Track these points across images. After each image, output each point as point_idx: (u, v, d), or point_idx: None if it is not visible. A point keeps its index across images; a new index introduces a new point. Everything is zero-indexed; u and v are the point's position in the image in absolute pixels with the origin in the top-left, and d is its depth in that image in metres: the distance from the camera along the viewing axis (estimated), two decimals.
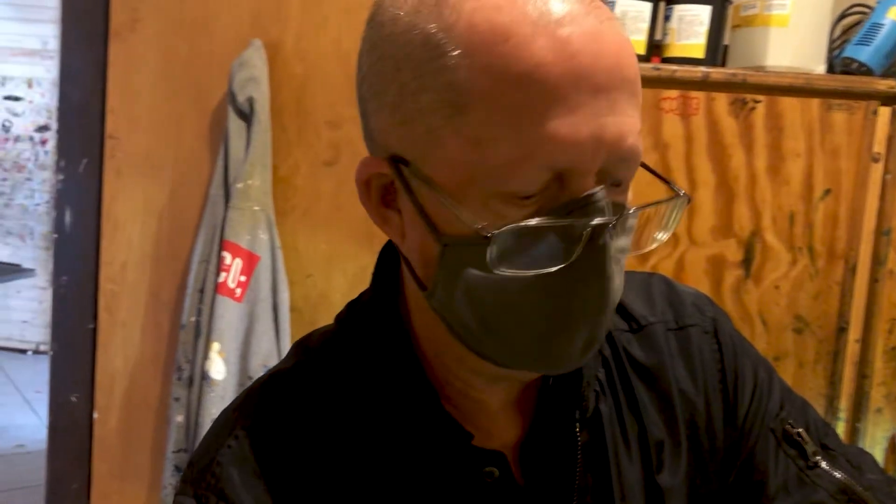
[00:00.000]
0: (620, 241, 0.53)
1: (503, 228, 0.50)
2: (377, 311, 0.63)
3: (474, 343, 0.56)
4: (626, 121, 0.51)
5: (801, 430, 0.70)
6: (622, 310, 0.70)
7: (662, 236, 0.57)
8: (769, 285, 1.34)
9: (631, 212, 0.53)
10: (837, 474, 0.68)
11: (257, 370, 1.66)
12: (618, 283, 0.54)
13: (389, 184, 0.57)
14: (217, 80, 1.75)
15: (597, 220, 0.50)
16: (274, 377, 0.65)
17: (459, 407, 0.62)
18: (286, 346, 1.71)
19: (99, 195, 1.84)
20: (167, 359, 1.84)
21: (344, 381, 0.63)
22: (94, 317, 1.87)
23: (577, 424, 0.62)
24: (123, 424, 1.87)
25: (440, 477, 0.60)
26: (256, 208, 1.69)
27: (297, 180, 1.74)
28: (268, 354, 1.68)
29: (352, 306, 0.68)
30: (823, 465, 0.69)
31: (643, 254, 1.34)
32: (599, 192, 0.50)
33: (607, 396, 0.66)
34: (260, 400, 0.63)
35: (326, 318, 0.69)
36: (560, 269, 0.51)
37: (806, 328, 1.34)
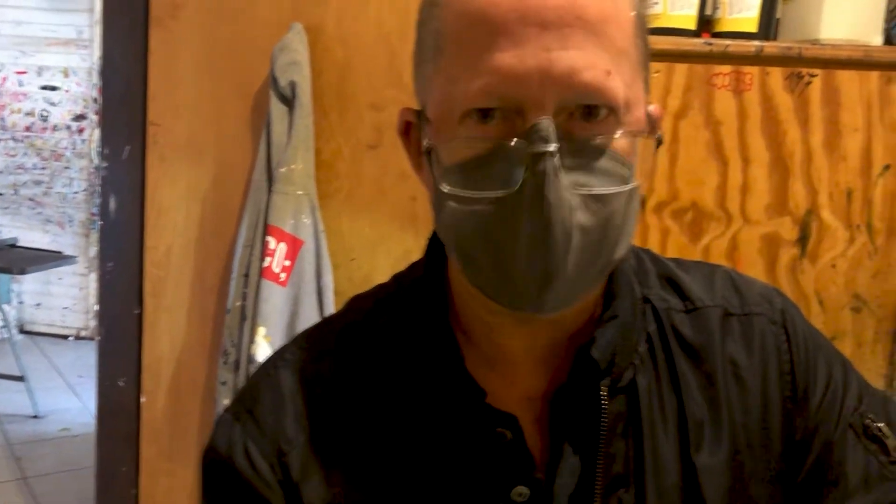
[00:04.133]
0: (579, 176, 0.54)
1: (445, 142, 0.56)
2: (423, 275, 0.68)
3: (465, 273, 0.59)
4: (580, 55, 0.53)
5: (881, 424, 0.68)
6: (679, 290, 0.70)
7: (637, 182, 0.58)
8: (826, 264, 1.31)
9: (574, 142, 0.54)
10: None
11: None
12: (580, 218, 0.54)
13: (419, 134, 0.62)
14: (258, 64, 1.74)
15: (533, 147, 0.52)
16: (321, 326, 0.72)
17: (486, 355, 0.65)
18: None
19: (142, 181, 1.85)
20: (213, 343, 1.85)
21: (383, 338, 0.68)
22: (140, 302, 1.89)
23: (606, 392, 0.63)
24: (171, 408, 1.89)
25: (457, 434, 0.63)
26: (300, 192, 1.69)
27: (340, 164, 1.74)
28: None
29: (413, 267, 0.73)
30: None
31: (694, 233, 1.33)
32: (544, 121, 0.52)
33: (647, 370, 0.65)
34: (304, 343, 0.70)
35: None
36: (506, 195, 0.53)
37: (864, 307, 1.31)
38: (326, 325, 0.72)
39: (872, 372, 1.30)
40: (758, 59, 1.30)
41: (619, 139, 0.56)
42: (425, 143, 0.58)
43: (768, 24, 1.37)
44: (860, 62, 1.28)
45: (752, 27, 1.35)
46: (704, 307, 0.69)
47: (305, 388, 0.66)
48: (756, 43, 1.31)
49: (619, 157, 0.56)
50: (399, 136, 0.65)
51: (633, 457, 0.64)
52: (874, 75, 1.29)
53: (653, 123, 0.61)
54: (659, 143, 0.59)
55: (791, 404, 0.67)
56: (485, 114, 0.55)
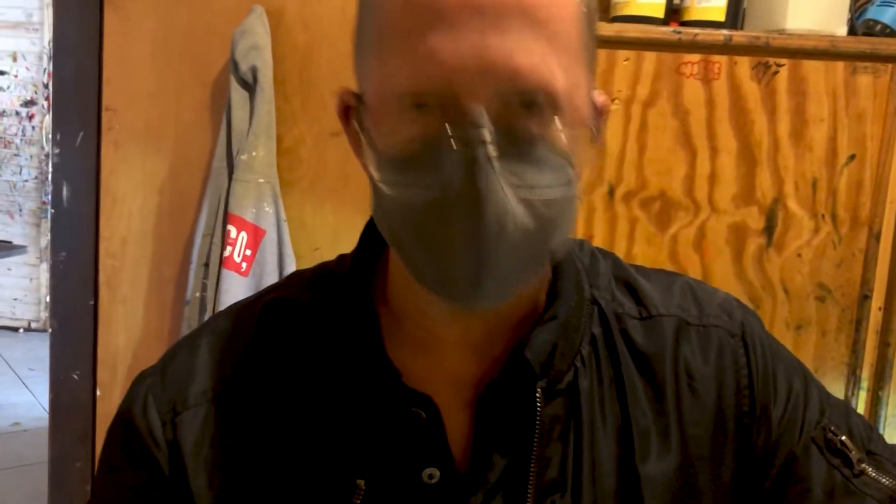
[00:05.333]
0: (515, 167, 0.52)
1: (382, 137, 0.54)
2: (356, 256, 0.67)
3: (403, 263, 0.58)
4: (516, 42, 0.51)
5: (844, 437, 0.67)
6: (636, 296, 0.68)
7: (574, 174, 0.56)
8: (791, 253, 1.32)
9: (511, 141, 0.52)
10: (885, 480, 0.66)
11: None
12: (514, 211, 0.52)
13: (357, 117, 0.60)
14: (217, 48, 1.70)
15: (468, 134, 0.50)
16: (255, 297, 0.71)
17: (416, 338, 0.64)
18: None
19: (97, 169, 1.79)
20: (171, 335, 1.80)
21: (308, 314, 0.67)
22: (95, 293, 1.83)
23: (541, 394, 0.61)
24: None
25: (372, 412, 0.62)
26: (261, 180, 1.65)
27: (303, 151, 1.70)
28: None
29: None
30: (870, 471, 0.66)
31: (662, 222, 1.32)
32: (476, 107, 0.51)
33: (589, 372, 0.64)
34: (232, 312, 0.70)
35: None
36: (439, 187, 0.52)
37: (828, 296, 1.32)
38: (260, 296, 0.71)
39: (836, 360, 1.31)
40: (726, 49, 1.30)
41: (557, 129, 0.54)
42: (362, 132, 0.57)
43: (736, 13, 1.37)
44: (826, 52, 1.29)
45: (720, 16, 1.35)
46: (659, 315, 0.67)
47: (222, 355, 0.66)
48: (725, 32, 1.31)
49: (558, 149, 0.54)
50: (339, 118, 0.63)
51: (572, 461, 0.62)
52: (839, 65, 1.29)
53: (598, 112, 0.59)
54: (593, 136, 0.57)
55: (748, 419, 0.66)
56: (419, 104, 0.53)
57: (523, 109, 0.53)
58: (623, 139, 1.32)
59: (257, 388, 0.64)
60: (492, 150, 0.50)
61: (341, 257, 0.72)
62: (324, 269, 0.71)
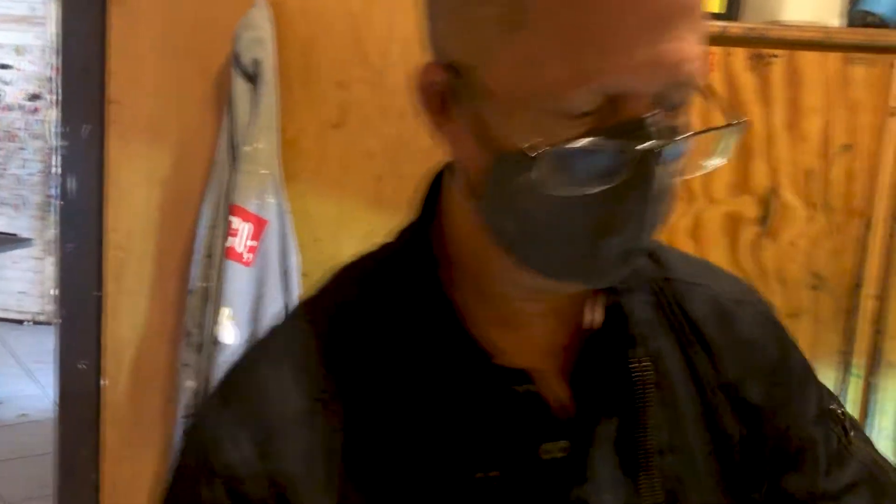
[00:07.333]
0: (669, 164, 0.52)
1: (550, 148, 0.50)
2: (411, 244, 0.64)
3: (521, 254, 0.56)
4: (683, 46, 0.50)
5: (841, 409, 0.71)
6: (670, 263, 0.70)
7: (717, 161, 0.56)
8: (786, 242, 1.34)
9: (682, 137, 0.52)
10: (869, 448, 0.71)
11: None
12: (665, 205, 0.54)
13: (445, 90, 0.57)
14: (220, 41, 1.71)
15: (647, 145, 0.50)
16: (310, 305, 0.67)
17: (499, 314, 0.62)
18: None
19: (102, 161, 1.81)
20: (176, 325, 1.83)
21: (379, 315, 0.63)
22: (101, 284, 1.85)
23: (636, 358, 0.62)
24: (133, 391, 1.87)
25: (471, 400, 0.60)
26: (264, 172, 1.67)
27: (305, 143, 1.72)
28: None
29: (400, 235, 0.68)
30: (857, 440, 0.71)
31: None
32: (654, 116, 0.50)
33: (661, 338, 0.66)
34: (286, 331, 0.65)
35: None
36: (608, 189, 0.51)
37: (823, 285, 1.34)
38: (313, 303, 0.67)
39: (830, 348, 1.33)
40: (722, 40, 1.31)
41: (690, 120, 0.54)
42: (528, 144, 0.51)
43: (734, 4, 1.39)
44: (821, 43, 1.30)
45: (719, 7, 1.36)
46: (695, 283, 0.70)
47: (299, 374, 0.61)
48: (721, 23, 1.32)
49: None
50: (417, 91, 0.58)
51: (671, 423, 0.64)
52: (835, 56, 1.31)
53: None
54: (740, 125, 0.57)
55: (780, 394, 0.69)
56: (587, 112, 0.51)
57: (672, 109, 0.52)
58: None
59: (352, 396, 0.60)
60: (663, 157, 0.50)
61: (382, 247, 0.68)
62: (371, 263, 0.68)
